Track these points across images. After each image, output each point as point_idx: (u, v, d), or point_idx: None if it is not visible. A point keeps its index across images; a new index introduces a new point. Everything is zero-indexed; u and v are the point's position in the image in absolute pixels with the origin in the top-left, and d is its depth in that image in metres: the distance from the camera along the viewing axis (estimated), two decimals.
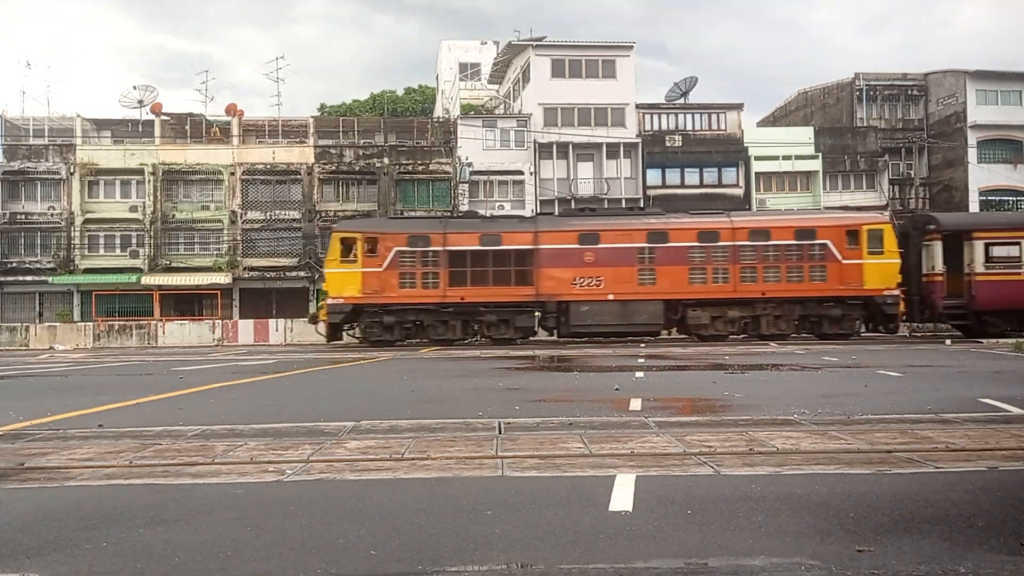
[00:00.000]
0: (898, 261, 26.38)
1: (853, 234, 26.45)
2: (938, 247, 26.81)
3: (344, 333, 27.71)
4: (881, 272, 26.09)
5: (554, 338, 28.07)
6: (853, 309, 26.43)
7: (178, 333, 34.30)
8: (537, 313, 26.80)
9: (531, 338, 27.11)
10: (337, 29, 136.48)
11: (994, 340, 24.22)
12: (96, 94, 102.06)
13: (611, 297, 26.33)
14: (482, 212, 38.39)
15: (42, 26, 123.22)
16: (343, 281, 26.48)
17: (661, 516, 4.75)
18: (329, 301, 26.61)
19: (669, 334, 28.30)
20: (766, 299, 26.43)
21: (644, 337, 27.16)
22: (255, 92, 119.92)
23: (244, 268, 40.14)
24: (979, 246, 26.47)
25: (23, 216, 40.12)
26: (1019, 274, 26.14)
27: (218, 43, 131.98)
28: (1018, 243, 26.44)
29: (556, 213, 34.57)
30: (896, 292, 25.94)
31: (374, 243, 26.61)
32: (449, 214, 35.46)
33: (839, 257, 26.25)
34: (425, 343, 26.42)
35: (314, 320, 29.20)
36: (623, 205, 40.75)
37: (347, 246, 26.77)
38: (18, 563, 4.06)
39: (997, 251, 26.51)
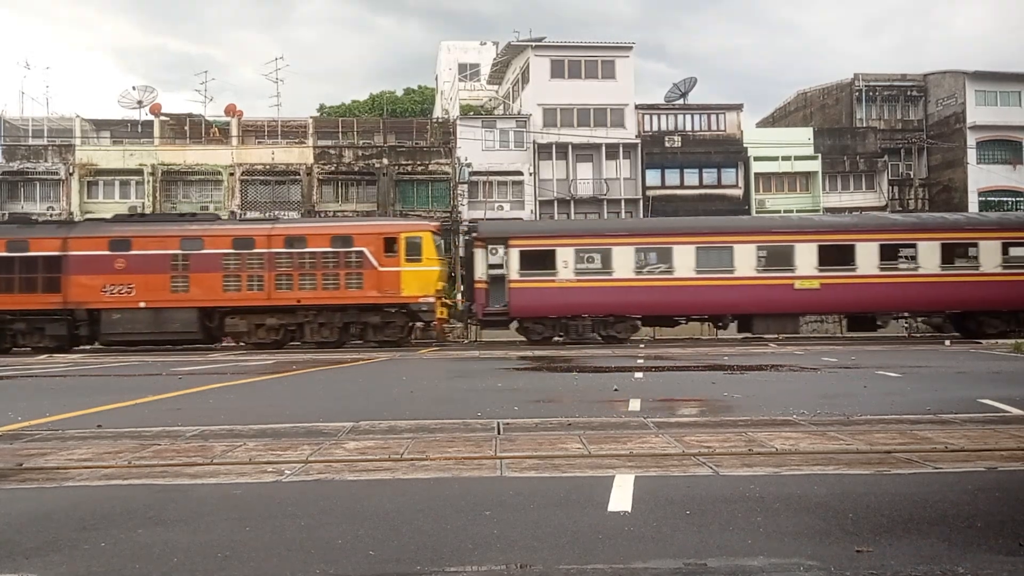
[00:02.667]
0: (438, 269, 26.20)
1: (391, 242, 26.08)
2: (480, 254, 26.70)
3: None
4: (419, 279, 25.86)
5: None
6: (394, 316, 26.18)
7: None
8: (74, 320, 25.84)
9: (71, 350, 26.08)
10: (338, 31, 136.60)
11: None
12: (95, 95, 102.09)
13: (143, 305, 25.64)
14: (478, 214, 38.46)
15: (41, 27, 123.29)
16: None
17: (660, 517, 4.75)
18: None
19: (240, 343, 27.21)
20: (305, 307, 25.99)
21: (180, 345, 26.44)
22: (256, 93, 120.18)
23: None
24: (514, 253, 26.40)
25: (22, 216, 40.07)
26: (554, 281, 26.10)
27: (219, 45, 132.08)
28: (553, 250, 26.35)
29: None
30: (432, 299, 25.73)
31: None
32: None
33: (376, 265, 25.92)
34: None
35: None
36: (623, 206, 40.92)
37: None
38: (16, 563, 4.06)
39: (532, 258, 26.43)
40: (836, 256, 26.40)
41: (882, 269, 26.20)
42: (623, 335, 26.30)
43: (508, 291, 26.35)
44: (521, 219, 38.71)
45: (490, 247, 26.92)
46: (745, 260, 26.25)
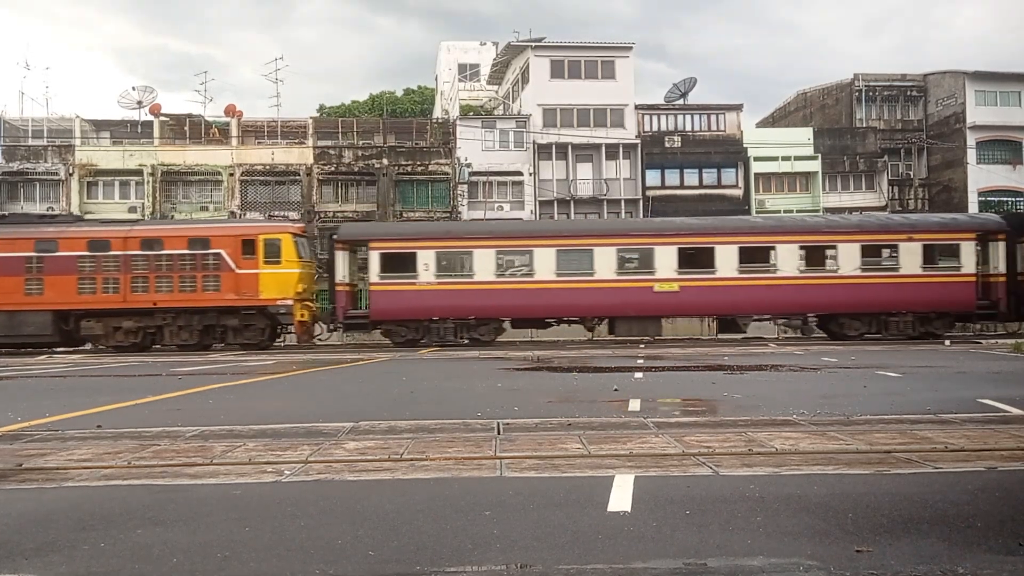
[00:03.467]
0: (297, 271, 25.96)
1: (249, 244, 25.92)
2: (341, 256, 26.67)
3: None
4: (278, 281, 25.68)
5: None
6: (254, 319, 26.04)
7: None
8: None
9: None
10: (338, 31, 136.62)
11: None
12: (95, 96, 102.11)
13: None
14: (478, 214, 38.52)
15: (41, 27, 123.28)
16: None
17: (660, 516, 4.75)
18: None
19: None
20: (163, 309, 25.73)
21: (38, 348, 26.24)
22: (256, 94, 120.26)
23: None
24: (375, 256, 26.28)
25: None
26: (414, 284, 25.97)
27: (219, 45, 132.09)
28: (414, 253, 26.21)
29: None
30: (290, 301, 25.57)
31: None
32: None
33: (234, 267, 25.76)
34: None
35: None
36: (623, 206, 40.92)
37: None
38: (16, 564, 4.06)
39: (393, 261, 26.31)
40: (696, 259, 26.31)
41: (742, 272, 26.03)
42: (487, 337, 26.12)
43: (369, 294, 26.33)
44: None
45: (353, 250, 26.96)
46: (605, 263, 26.09)
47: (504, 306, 26.06)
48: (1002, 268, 26.57)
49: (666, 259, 26.07)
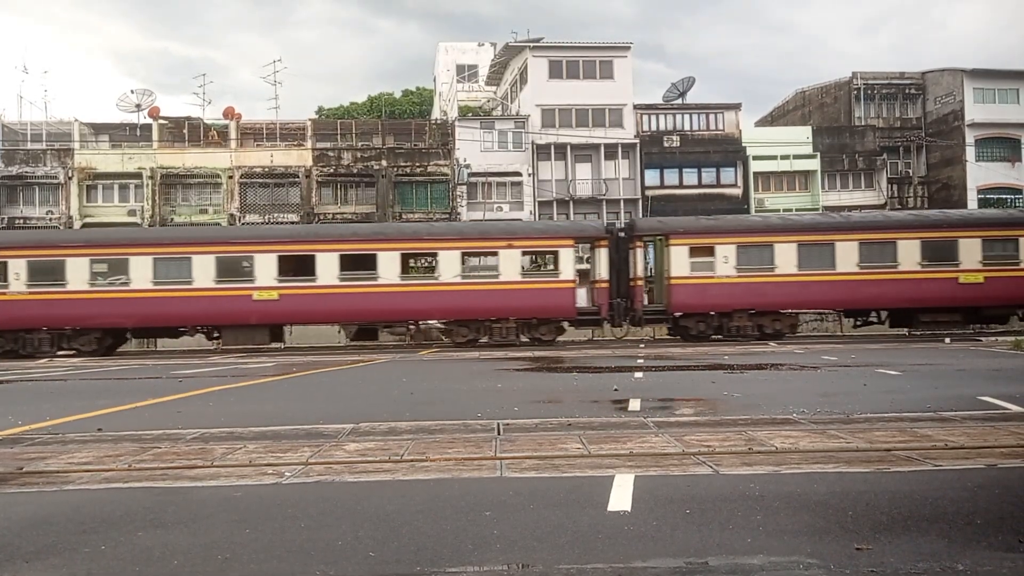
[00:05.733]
0: None
1: None
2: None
3: None
4: None
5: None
6: None
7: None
8: None
9: None
10: (337, 33, 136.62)
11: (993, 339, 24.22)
12: (94, 99, 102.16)
13: None
14: (478, 215, 38.50)
15: (40, 31, 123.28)
16: None
17: (660, 516, 4.75)
18: None
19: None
20: None
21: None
22: (256, 96, 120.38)
23: None
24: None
25: (21, 221, 40.06)
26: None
27: (219, 47, 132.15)
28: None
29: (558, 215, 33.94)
30: None
31: None
32: None
33: None
34: None
35: None
36: (622, 206, 40.90)
37: None
38: (16, 567, 4.06)
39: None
40: (297, 266, 26.14)
41: (342, 280, 25.83)
42: (88, 348, 25.76)
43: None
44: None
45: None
46: (203, 271, 25.77)
47: (114, 314, 25.70)
48: (604, 274, 26.64)
49: (265, 267, 25.82)
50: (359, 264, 26.09)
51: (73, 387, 14.78)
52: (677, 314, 26.40)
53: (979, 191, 43.34)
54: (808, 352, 19.96)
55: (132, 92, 43.98)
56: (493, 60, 49.18)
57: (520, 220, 36.82)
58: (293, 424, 8.63)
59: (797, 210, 38.13)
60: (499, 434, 7.79)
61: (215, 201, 40.72)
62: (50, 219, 39.87)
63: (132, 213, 39.98)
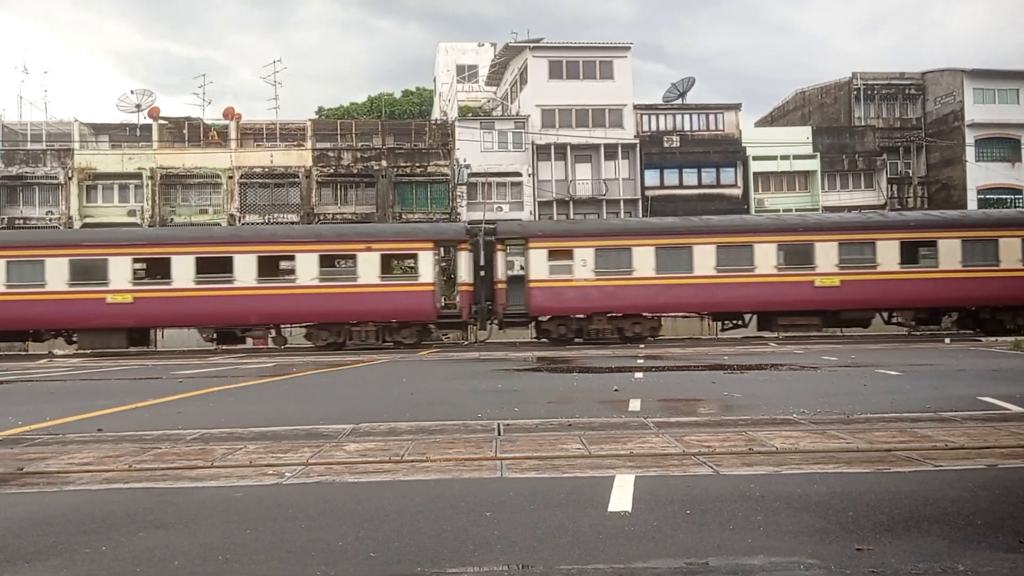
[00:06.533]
0: None
1: None
2: None
3: None
4: None
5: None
6: None
7: (177, 337, 34.18)
8: None
9: None
10: (338, 33, 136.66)
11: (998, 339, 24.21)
12: (94, 99, 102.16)
13: None
14: (477, 215, 38.43)
15: (40, 31, 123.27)
16: None
17: (660, 516, 4.75)
18: None
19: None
20: None
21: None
22: (256, 96, 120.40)
23: None
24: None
25: (21, 221, 40.04)
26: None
27: (220, 48, 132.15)
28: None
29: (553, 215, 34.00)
30: None
31: None
32: None
33: None
34: None
35: None
36: (622, 206, 40.89)
37: None
38: (17, 568, 4.06)
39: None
40: (153, 269, 26.32)
41: (198, 283, 25.96)
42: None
43: None
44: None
45: None
46: (56, 273, 25.86)
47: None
48: (465, 277, 26.70)
49: (120, 270, 25.96)
50: (216, 267, 26.13)
51: (73, 387, 14.78)
52: (540, 317, 26.54)
53: (979, 191, 43.32)
54: (808, 352, 19.97)
55: (132, 92, 43.97)
56: (493, 60, 49.17)
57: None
58: (293, 424, 8.63)
59: (797, 210, 38.14)
60: (499, 434, 7.79)
61: (215, 201, 40.70)
62: (50, 219, 39.86)
63: (132, 213, 39.96)
